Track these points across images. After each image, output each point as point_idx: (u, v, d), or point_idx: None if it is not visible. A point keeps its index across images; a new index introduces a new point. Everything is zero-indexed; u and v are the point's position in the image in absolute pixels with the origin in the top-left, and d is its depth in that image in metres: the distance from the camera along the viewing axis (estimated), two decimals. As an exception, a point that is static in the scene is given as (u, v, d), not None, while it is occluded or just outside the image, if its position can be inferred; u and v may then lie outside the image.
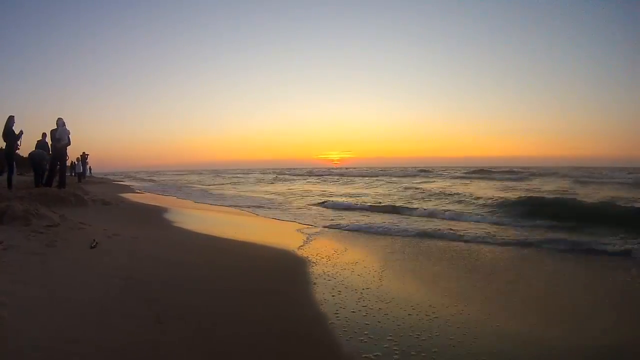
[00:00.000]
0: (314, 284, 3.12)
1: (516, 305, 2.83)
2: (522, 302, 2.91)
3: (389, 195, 13.67)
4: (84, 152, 21.26)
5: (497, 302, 2.87)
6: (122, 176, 46.39)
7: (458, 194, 12.12)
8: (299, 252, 4.34)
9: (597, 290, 3.34)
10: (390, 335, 2.14)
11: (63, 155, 9.20)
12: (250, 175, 39.37)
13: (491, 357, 1.95)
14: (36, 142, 9.73)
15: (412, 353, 1.95)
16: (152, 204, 10.07)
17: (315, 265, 3.76)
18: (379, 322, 2.35)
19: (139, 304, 2.32)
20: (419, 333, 2.19)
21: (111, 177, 38.31)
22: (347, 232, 6.26)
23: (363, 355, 1.91)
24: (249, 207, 10.23)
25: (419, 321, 2.38)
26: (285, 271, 3.59)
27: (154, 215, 7.31)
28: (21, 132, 8.76)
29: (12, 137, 8.47)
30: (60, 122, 9.04)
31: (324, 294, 2.87)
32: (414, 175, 28.94)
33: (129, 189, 17.93)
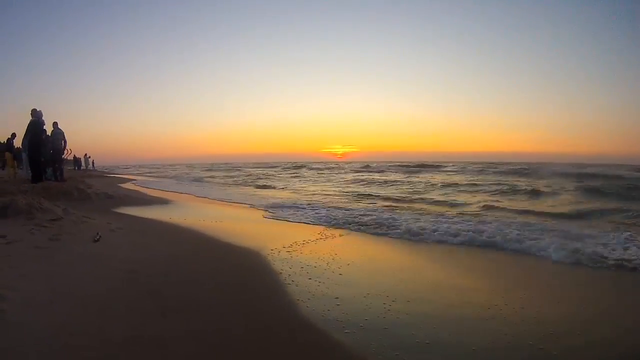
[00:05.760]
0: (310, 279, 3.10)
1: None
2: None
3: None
4: (86, 153, 28.24)
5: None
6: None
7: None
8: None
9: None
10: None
11: (38, 151, 8.94)
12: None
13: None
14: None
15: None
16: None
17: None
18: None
19: (143, 297, 2.31)
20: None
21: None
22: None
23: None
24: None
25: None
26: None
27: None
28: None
29: None
30: (38, 114, 8.75)
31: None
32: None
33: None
